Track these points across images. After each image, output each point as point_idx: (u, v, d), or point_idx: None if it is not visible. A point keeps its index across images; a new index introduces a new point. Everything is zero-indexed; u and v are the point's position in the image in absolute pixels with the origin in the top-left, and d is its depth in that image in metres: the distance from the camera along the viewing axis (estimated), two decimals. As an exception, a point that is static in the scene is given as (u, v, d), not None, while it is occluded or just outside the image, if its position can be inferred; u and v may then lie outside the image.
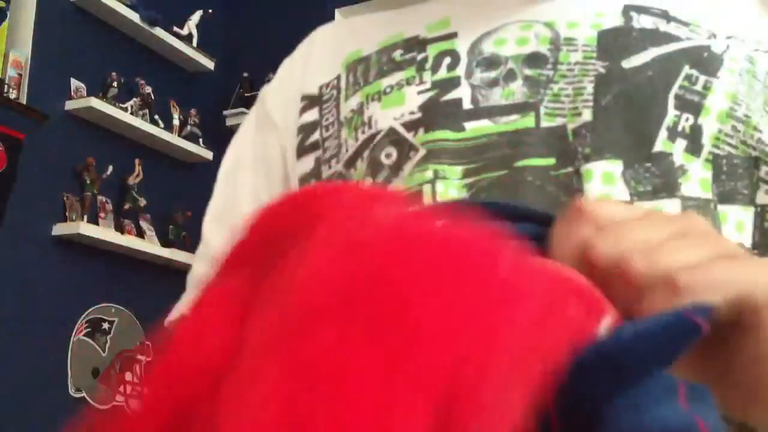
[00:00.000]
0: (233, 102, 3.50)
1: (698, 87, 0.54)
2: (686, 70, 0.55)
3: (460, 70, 0.58)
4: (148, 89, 3.23)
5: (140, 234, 3.12)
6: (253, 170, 0.72)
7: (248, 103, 3.48)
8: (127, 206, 3.09)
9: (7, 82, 2.69)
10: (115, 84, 3.06)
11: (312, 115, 0.66)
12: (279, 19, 3.63)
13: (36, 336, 2.72)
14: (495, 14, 0.60)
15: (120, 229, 3.03)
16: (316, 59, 0.69)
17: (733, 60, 0.56)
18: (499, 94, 0.56)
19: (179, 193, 3.37)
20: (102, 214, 2.97)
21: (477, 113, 0.56)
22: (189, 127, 3.40)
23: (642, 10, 0.59)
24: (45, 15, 2.88)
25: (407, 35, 0.63)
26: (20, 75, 2.75)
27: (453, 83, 0.58)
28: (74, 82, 2.96)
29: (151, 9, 3.21)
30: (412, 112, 0.58)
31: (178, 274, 3.31)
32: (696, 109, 0.54)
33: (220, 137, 3.54)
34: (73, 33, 3.00)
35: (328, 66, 0.67)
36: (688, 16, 0.59)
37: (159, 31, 3.26)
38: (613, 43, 0.56)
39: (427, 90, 0.58)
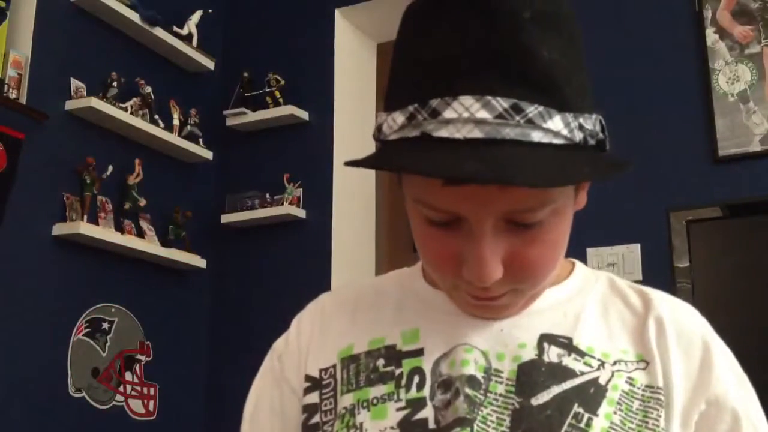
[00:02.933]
0: (233, 102, 3.50)
1: (582, 425, 0.69)
2: (575, 408, 0.70)
3: (426, 392, 0.74)
4: (148, 89, 3.23)
5: (140, 234, 3.12)
6: (270, 422, 0.85)
7: (248, 103, 3.48)
8: (127, 206, 3.09)
9: (7, 82, 2.69)
10: (115, 84, 3.06)
11: (313, 398, 0.80)
12: (279, 19, 3.63)
13: (36, 336, 2.72)
14: (451, 335, 0.76)
15: (120, 229, 3.03)
16: (319, 340, 0.84)
17: (614, 388, 0.72)
18: (451, 412, 0.72)
19: (179, 193, 3.37)
20: (102, 214, 2.97)
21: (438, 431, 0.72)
22: (189, 127, 3.40)
23: (552, 340, 0.75)
24: (45, 15, 2.88)
25: (388, 342, 0.79)
26: (20, 75, 2.75)
27: (421, 404, 0.74)
28: (74, 82, 2.96)
29: (151, 9, 3.21)
30: (392, 427, 0.73)
31: (178, 274, 3.32)
32: None
33: (220, 137, 3.54)
34: (73, 33, 3.01)
35: (325, 353, 0.82)
36: (586, 344, 0.75)
37: (159, 31, 3.26)
38: (527, 379, 0.72)
39: (403, 408, 0.74)
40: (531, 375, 0.72)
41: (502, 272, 0.68)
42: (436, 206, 0.67)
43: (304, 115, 3.41)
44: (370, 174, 3.56)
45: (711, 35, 2.81)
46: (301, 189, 3.35)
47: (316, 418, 0.79)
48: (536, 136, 0.63)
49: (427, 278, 0.83)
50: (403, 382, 0.75)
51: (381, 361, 0.78)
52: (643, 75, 2.87)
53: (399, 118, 0.67)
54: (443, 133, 0.64)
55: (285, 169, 3.37)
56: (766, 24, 2.75)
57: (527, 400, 0.71)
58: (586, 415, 0.69)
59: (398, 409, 0.74)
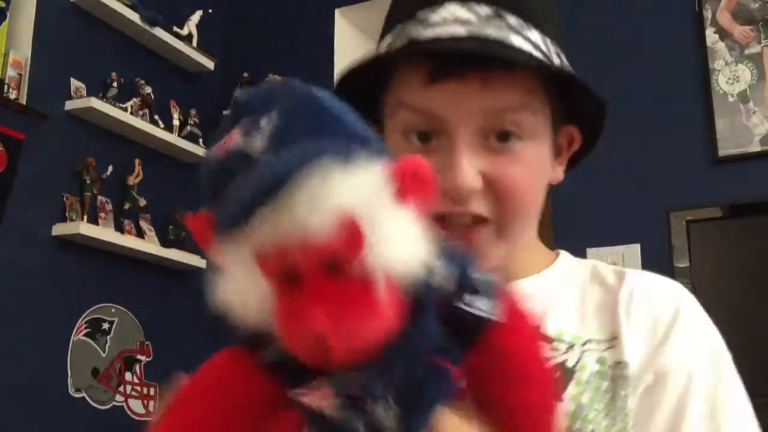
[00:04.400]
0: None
1: None
2: None
3: None
4: (148, 89, 3.23)
5: (140, 234, 3.12)
6: None
7: (248, 103, 3.47)
8: (127, 206, 3.09)
9: (7, 82, 2.69)
10: (115, 84, 3.06)
11: None
12: (279, 19, 3.63)
13: (36, 336, 2.71)
14: None
15: (120, 229, 3.02)
16: None
17: (583, 369, 0.70)
18: None
19: (179, 193, 3.37)
20: (102, 214, 2.97)
21: None
22: (189, 127, 3.40)
23: None
24: (45, 15, 2.88)
25: None
26: (20, 75, 2.75)
27: None
28: (74, 82, 2.96)
29: (151, 9, 3.21)
30: None
31: (178, 274, 3.32)
32: None
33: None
34: (73, 33, 3.00)
35: None
36: (556, 329, 0.73)
37: (159, 31, 3.26)
38: None
39: None
40: None
41: (480, 183, 0.68)
42: (419, 107, 0.68)
43: (304, 115, 3.40)
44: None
45: (711, 35, 2.81)
46: (301, 189, 3.35)
47: None
48: (517, 41, 0.67)
49: None
50: None
51: None
52: (644, 75, 2.87)
53: (389, 38, 0.71)
54: (429, 34, 0.67)
55: (285, 169, 3.37)
56: (766, 24, 2.75)
57: None
58: None
59: None
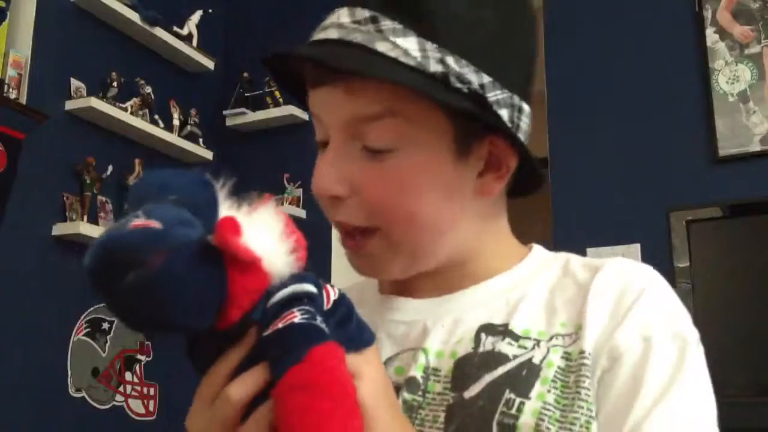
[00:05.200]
0: (233, 102, 3.50)
1: (513, 410, 0.67)
2: (506, 395, 0.67)
3: None
4: (148, 89, 3.23)
5: (140, 234, 3.12)
6: None
7: (248, 103, 3.48)
8: (127, 206, 3.08)
9: (7, 82, 2.69)
10: (115, 84, 3.06)
11: None
12: (279, 20, 3.63)
13: (36, 336, 2.71)
14: (398, 338, 0.75)
15: (120, 229, 3.02)
16: None
17: (549, 366, 0.68)
18: None
19: (179, 193, 3.37)
20: (102, 214, 2.97)
21: None
22: (189, 127, 3.40)
23: (490, 330, 0.73)
24: (45, 15, 2.88)
25: None
26: (20, 75, 2.75)
27: None
28: (74, 82, 2.97)
29: (151, 9, 3.21)
30: None
31: (178, 274, 3.31)
32: (512, 430, 0.66)
33: (220, 137, 3.54)
34: (73, 33, 3.01)
35: None
36: (522, 327, 0.72)
37: (159, 31, 3.26)
38: (461, 373, 0.70)
39: None
40: (464, 368, 0.70)
41: (341, 191, 0.69)
42: (311, 110, 0.71)
43: (304, 115, 3.41)
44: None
45: (711, 35, 2.81)
46: (301, 189, 3.35)
47: None
48: (381, 47, 0.66)
49: (381, 285, 0.83)
50: None
51: None
52: (643, 75, 2.87)
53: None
54: (316, 36, 0.70)
55: (285, 169, 3.37)
56: (766, 24, 2.75)
57: (460, 393, 0.69)
58: (518, 400, 0.67)
59: None
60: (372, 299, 0.80)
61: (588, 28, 2.98)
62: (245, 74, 3.49)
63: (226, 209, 0.59)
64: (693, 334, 0.70)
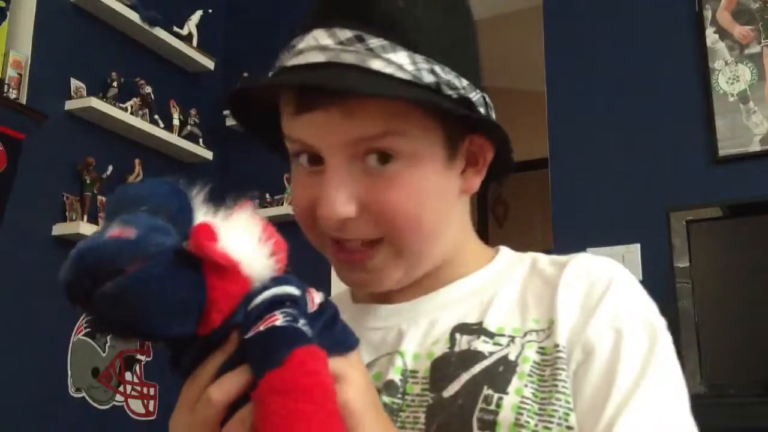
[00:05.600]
0: (233, 102, 3.49)
1: (492, 406, 0.68)
2: (485, 391, 0.68)
3: None
4: (148, 89, 3.23)
5: (140, 234, 3.12)
6: None
7: (248, 103, 3.47)
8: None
9: (7, 82, 2.69)
10: (115, 84, 3.06)
11: None
12: (279, 19, 3.63)
13: (36, 336, 2.71)
14: (374, 346, 0.76)
15: (120, 229, 3.02)
16: None
17: (525, 361, 0.70)
18: None
19: (179, 193, 3.37)
20: (102, 214, 2.97)
21: None
22: (189, 127, 3.40)
23: (464, 329, 0.74)
24: (45, 15, 2.88)
25: None
26: (20, 75, 2.75)
27: None
28: (74, 82, 2.97)
29: (151, 9, 3.21)
30: None
31: (178, 274, 3.31)
32: (492, 426, 0.67)
33: (220, 137, 3.54)
34: (73, 33, 3.01)
35: None
36: (496, 325, 0.73)
37: (159, 31, 3.26)
38: (439, 373, 0.71)
39: None
40: (442, 368, 0.71)
41: (352, 211, 0.68)
42: (294, 137, 0.70)
43: (304, 115, 3.41)
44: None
45: (711, 35, 2.81)
46: (301, 189, 3.35)
47: None
48: (376, 65, 0.66)
49: (354, 295, 0.84)
50: None
51: None
52: (644, 75, 2.87)
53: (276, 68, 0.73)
54: (294, 61, 0.69)
55: (285, 169, 3.35)
56: (766, 24, 2.75)
57: (439, 393, 0.70)
58: (496, 396, 0.68)
59: None
60: (347, 309, 0.79)
61: (588, 28, 2.98)
62: (245, 74, 3.49)
63: (202, 215, 0.60)
64: (661, 322, 0.73)
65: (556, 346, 0.70)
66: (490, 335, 0.72)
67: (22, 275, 2.70)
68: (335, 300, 0.83)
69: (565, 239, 2.76)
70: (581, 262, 0.76)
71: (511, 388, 0.68)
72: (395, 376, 0.73)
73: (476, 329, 0.73)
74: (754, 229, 2.65)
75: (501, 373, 0.69)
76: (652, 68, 2.87)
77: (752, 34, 2.76)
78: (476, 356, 0.71)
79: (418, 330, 0.75)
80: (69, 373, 2.81)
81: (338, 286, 0.85)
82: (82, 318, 2.90)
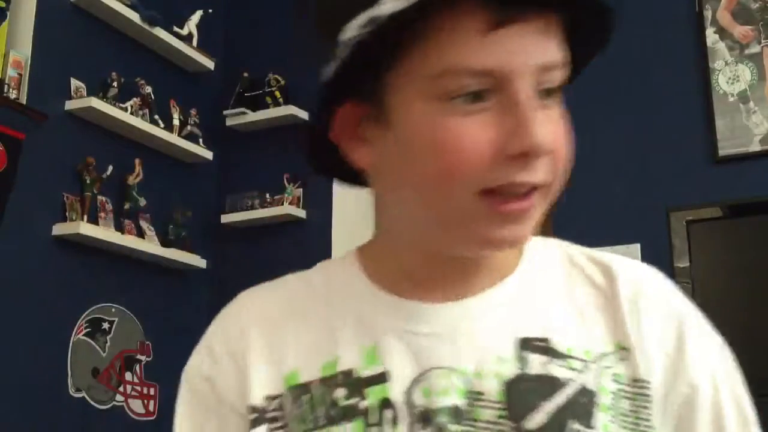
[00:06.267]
0: (233, 102, 3.50)
1: None
2: (571, 425, 0.63)
3: (403, 428, 0.65)
4: (148, 89, 3.23)
5: (140, 234, 3.12)
6: None
7: (248, 103, 3.48)
8: (127, 206, 3.09)
9: (7, 82, 2.69)
10: (115, 84, 3.06)
11: None
12: (279, 19, 3.63)
13: (36, 336, 2.71)
14: (416, 351, 0.67)
15: (120, 229, 3.03)
16: (256, 357, 0.71)
17: (603, 392, 0.65)
18: None
19: (179, 193, 3.37)
20: (102, 214, 2.97)
21: None
22: (189, 127, 3.40)
23: (531, 347, 0.67)
24: (45, 15, 2.88)
25: (343, 366, 0.68)
26: (20, 75, 2.75)
27: None
28: (74, 82, 2.96)
29: (151, 9, 3.21)
30: None
31: (178, 274, 3.32)
32: None
33: (220, 137, 3.54)
34: (73, 33, 3.01)
35: (268, 376, 0.70)
36: (565, 345, 0.67)
37: (159, 31, 3.26)
38: (516, 399, 0.64)
39: None
40: (518, 393, 0.65)
41: (555, 145, 0.62)
42: (474, 66, 0.59)
43: (304, 115, 3.41)
44: (370, 174, 3.56)
45: (711, 35, 2.81)
46: (301, 189, 3.35)
47: None
48: None
49: (369, 274, 0.73)
50: (373, 418, 0.65)
51: (340, 392, 0.67)
52: (644, 75, 2.87)
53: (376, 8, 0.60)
54: None
55: (285, 169, 3.37)
56: (766, 24, 2.75)
57: (520, 423, 0.64)
58: (584, 431, 0.64)
59: None
60: (369, 297, 0.72)
61: (588, 28, 2.98)
62: (245, 74, 3.49)
63: None
64: (724, 344, 0.72)
65: (637, 380, 0.66)
66: (562, 357, 0.66)
67: (22, 275, 2.70)
68: (329, 271, 0.76)
69: (565, 239, 2.75)
70: (634, 283, 0.71)
71: (597, 423, 0.64)
72: (459, 399, 0.65)
73: (544, 348, 0.67)
74: (754, 229, 2.65)
75: (584, 405, 0.65)
76: (652, 68, 2.87)
77: (752, 34, 2.76)
78: (555, 383, 0.65)
79: (475, 342, 0.67)
80: (69, 373, 2.81)
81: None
82: (82, 318, 2.90)
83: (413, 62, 0.61)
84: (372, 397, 0.66)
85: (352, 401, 0.66)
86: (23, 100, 2.74)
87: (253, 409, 0.69)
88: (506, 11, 0.58)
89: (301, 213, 3.31)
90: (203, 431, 0.73)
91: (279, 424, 0.68)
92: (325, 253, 3.25)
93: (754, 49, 2.75)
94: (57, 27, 2.93)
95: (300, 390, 0.68)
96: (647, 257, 2.71)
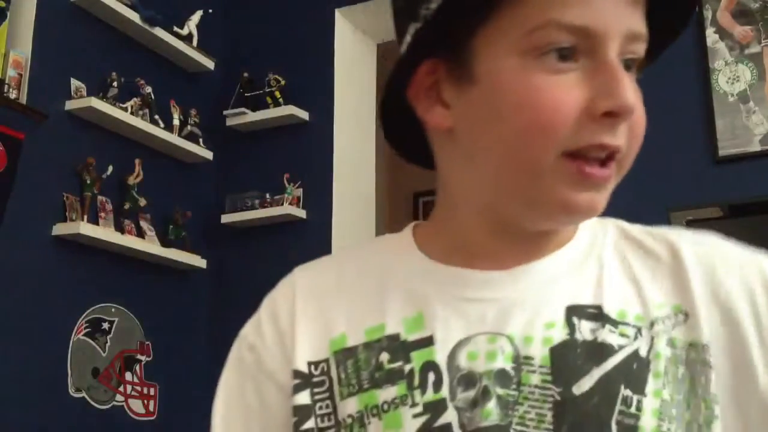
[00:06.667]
0: (233, 102, 3.50)
1: (632, 409, 0.62)
2: (622, 391, 0.62)
3: (445, 391, 0.65)
4: (148, 89, 3.23)
5: (140, 234, 3.12)
6: (246, 426, 0.74)
7: (248, 103, 3.48)
8: (127, 206, 3.09)
9: (7, 82, 2.69)
10: (115, 84, 3.06)
11: (304, 397, 0.70)
12: (279, 19, 3.63)
13: (36, 336, 2.71)
14: (463, 317, 0.67)
15: (120, 229, 3.03)
16: (302, 326, 0.72)
17: (657, 357, 0.64)
18: (479, 415, 0.63)
19: (179, 193, 3.37)
20: (102, 214, 2.97)
21: None
22: (189, 127, 3.40)
23: (581, 312, 0.66)
24: (45, 15, 2.88)
25: (389, 331, 0.69)
26: (20, 75, 2.75)
27: (441, 407, 0.64)
28: (74, 82, 2.97)
29: (151, 9, 3.21)
30: None
31: (178, 274, 3.32)
32: (633, 431, 0.61)
33: (220, 137, 3.54)
34: (73, 33, 3.01)
35: (313, 343, 0.71)
36: (616, 310, 0.66)
37: (159, 31, 3.26)
38: (563, 364, 0.64)
39: (420, 414, 0.64)
40: (566, 359, 0.64)
41: (637, 107, 0.64)
42: (569, 21, 0.60)
43: (304, 115, 3.41)
44: (370, 174, 3.56)
45: (711, 35, 2.81)
46: (301, 189, 3.35)
47: (309, 423, 0.69)
48: None
49: (423, 247, 0.73)
50: (416, 381, 0.66)
51: (385, 356, 0.67)
52: (643, 75, 2.87)
53: None
54: None
55: (285, 169, 3.37)
56: (766, 24, 2.75)
57: (568, 389, 0.62)
58: (635, 397, 0.62)
59: (415, 416, 0.64)
60: (420, 267, 0.72)
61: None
62: (245, 74, 3.49)
63: None
64: None
65: (695, 344, 0.64)
66: (614, 323, 0.65)
67: (22, 275, 2.70)
68: (385, 244, 0.78)
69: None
70: (714, 245, 0.70)
71: (648, 389, 0.63)
72: (506, 364, 0.64)
73: (596, 314, 0.66)
74: (754, 229, 2.65)
75: (636, 372, 0.63)
76: (652, 68, 2.87)
77: (752, 34, 2.76)
78: (605, 349, 0.64)
79: (524, 308, 0.67)
80: (69, 373, 2.81)
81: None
82: (82, 318, 2.90)
83: (506, 17, 0.62)
84: (417, 360, 0.66)
85: (396, 364, 0.67)
86: (23, 100, 2.74)
87: (297, 374, 0.70)
88: None
89: (301, 213, 3.31)
90: (243, 397, 0.74)
91: (323, 389, 0.69)
92: (324, 253, 3.24)
93: (754, 49, 2.75)
94: (57, 27, 2.93)
95: (345, 354, 0.69)
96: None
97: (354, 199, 3.45)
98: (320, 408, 0.69)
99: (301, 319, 0.72)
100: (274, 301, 0.76)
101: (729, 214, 2.68)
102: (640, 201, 2.79)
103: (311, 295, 0.74)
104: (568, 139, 0.61)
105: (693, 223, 2.68)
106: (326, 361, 0.70)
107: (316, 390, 0.69)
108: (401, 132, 0.74)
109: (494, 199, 0.67)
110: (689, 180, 2.73)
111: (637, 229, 0.74)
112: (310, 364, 0.70)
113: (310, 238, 3.29)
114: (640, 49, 0.65)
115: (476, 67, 0.64)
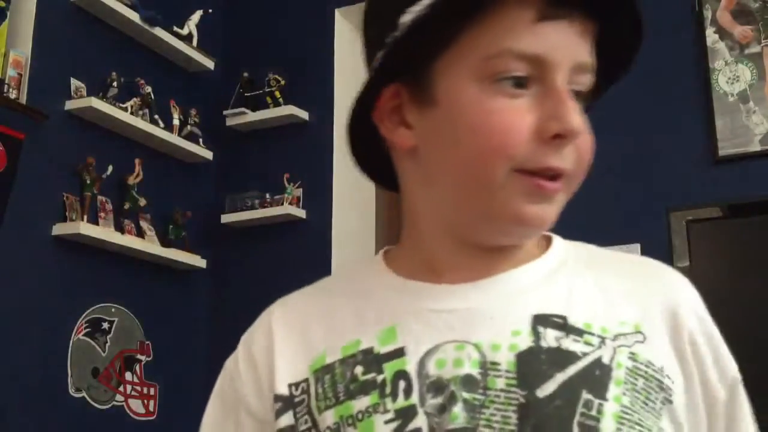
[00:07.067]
0: (233, 102, 3.50)
1: (593, 412, 0.65)
2: (584, 395, 0.65)
3: (415, 398, 0.68)
4: (148, 89, 3.23)
5: (140, 234, 3.12)
6: None
7: (248, 103, 3.48)
8: (127, 206, 3.09)
9: (7, 82, 2.69)
10: (115, 84, 3.06)
11: (287, 419, 0.73)
12: (279, 19, 3.63)
13: (36, 336, 2.72)
14: (433, 328, 0.70)
15: (120, 229, 3.03)
16: (281, 353, 0.76)
17: (618, 366, 0.67)
18: (447, 419, 0.66)
19: (179, 193, 3.37)
20: (102, 214, 2.97)
21: None
22: (189, 127, 3.40)
23: (546, 321, 0.69)
24: (45, 15, 2.88)
25: (363, 345, 0.72)
26: (20, 75, 2.75)
27: (411, 412, 0.67)
28: (74, 82, 2.97)
29: (151, 9, 3.21)
30: None
31: (178, 274, 3.32)
32: None
33: (220, 137, 3.54)
34: (73, 33, 3.01)
35: (295, 366, 0.74)
36: (582, 321, 0.69)
37: (159, 31, 3.26)
38: (528, 369, 0.67)
39: (392, 419, 0.67)
40: (531, 364, 0.67)
41: (583, 130, 0.68)
42: (522, 50, 0.65)
43: (304, 115, 3.41)
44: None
45: (711, 35, 2.81)
46: (301, 189, 3.35)
47: None
48: None
49: (393, 267, 0.77)
50: (388, 389, 0.69)
51: (359, 369, 0.71)
52: (643, 75, 2.87)
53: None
54: None
55: (285, 169, 3.37)
56: (766, 24, 2.75)
57: (532, 392, 0.65)
58: (596, 401, 0.65)
59: (387, 422, 0.67)
60: (392, 285, 0.75)
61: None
62: (245, 74, 3.49)
63: None
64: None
65: (652, 363, 0.69)
66: (579, 333, 0.69)
67: (22, 275, 2.70)
68: (354, 270, 0.83)
69: (565, 239, 2.76)
70: (667, 282, 0.78)
71: (610, 395, 0.66)
72: (472, 369, 0.67)
73: (561, 324, 0.69)
74: (754, 229, 2.65)
75: (598, 377, 0.67)
76: (652, 68, 2.87)
77: (752, 34, 2.76)
78: (569, 356, 0.67)
79: (492, 317, 0.70)
80: (69, 373, 2.81)
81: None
82: (82, 318, 2.90)
83: (465, 45, 0.66)
84: (389, 370, 0.69)
85: (370, 376, 0.70)
86: (23, 99, 2.74)
87: (278, 398, 0.73)
88: (554, 8, 0.65)
89: (301, 213, 3.31)
90: (223, 429, 0.78)
91: (303, 406, 0.72)
92: (325, 253, 3.25)
93: (754, 49, 2.75)
94: (57, 27, 2.94)
95: (324, 371, 0.72)
96: (647, 257, 2.71)
97: (354, 199, 3.45)
98: (302, 425, 0.72)
99: (280, 348, 0.76)
100: (251, 336, 0.80)
101: (729, 214, 2.68)
102: (640, 201, 2.79)
103: (291, 323, 0.77)
104: (520, 158, 0.66)
105: (693, 223, 2.68)
106: (306, 380, 0.73)
107: (297, 409, 0.72)
108: (367, 153, 0.78)
109: (454, 216, 0.71)
110: (689, 180, 2.73)
111: (608, 252, 0.79)
112: (290, 385, 0.73)
113: (310, 238, 3.29)
114: (586, 80, 0.69)
115: (437, 90, 0.68)
